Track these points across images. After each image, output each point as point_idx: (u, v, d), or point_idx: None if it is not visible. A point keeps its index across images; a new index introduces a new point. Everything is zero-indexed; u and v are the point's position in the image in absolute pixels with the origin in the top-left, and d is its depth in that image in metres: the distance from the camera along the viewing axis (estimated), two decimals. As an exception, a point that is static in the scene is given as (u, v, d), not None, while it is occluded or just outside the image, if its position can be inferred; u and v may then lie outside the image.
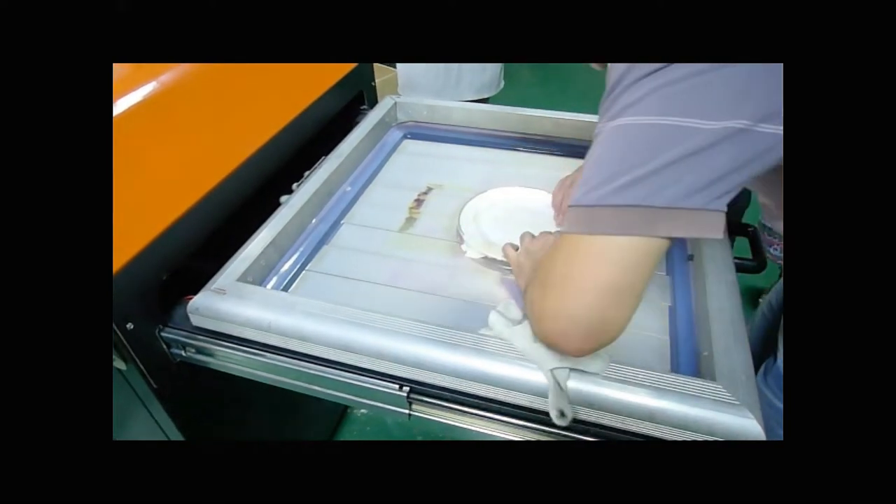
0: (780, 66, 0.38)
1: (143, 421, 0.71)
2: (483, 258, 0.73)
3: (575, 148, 0.97)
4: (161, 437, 0.74)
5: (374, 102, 1.09)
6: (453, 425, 0.58)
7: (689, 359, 0.59)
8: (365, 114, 1.03)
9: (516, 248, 0.66)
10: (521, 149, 1.00)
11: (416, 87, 1.44)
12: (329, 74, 0.94)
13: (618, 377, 0.51)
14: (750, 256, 0.74)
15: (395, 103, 1.05)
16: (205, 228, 0.69)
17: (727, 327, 0.57)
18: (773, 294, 0.85)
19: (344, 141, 0.92)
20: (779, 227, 0.62)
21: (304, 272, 0.74)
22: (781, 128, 0.39)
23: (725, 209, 0.41)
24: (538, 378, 0.52)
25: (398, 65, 1.46)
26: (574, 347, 0.44)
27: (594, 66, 0.61)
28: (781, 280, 0.87)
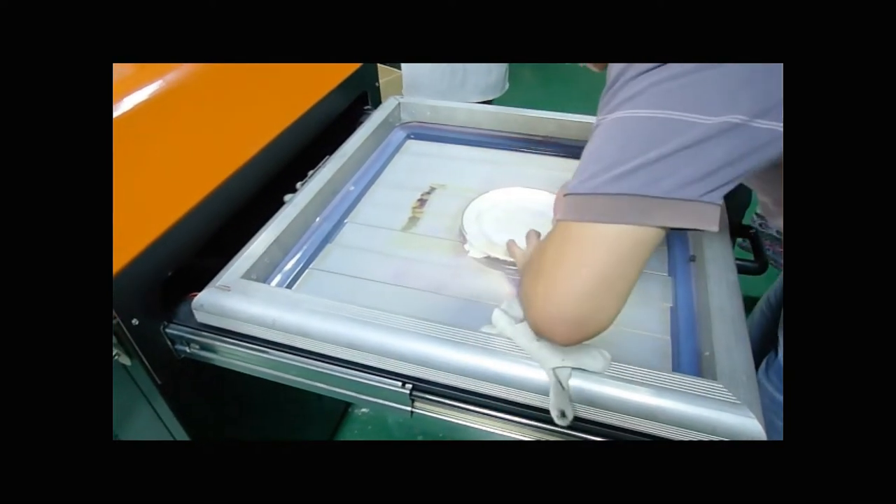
0: (778, 63, 0.39)
1: (146, 417, 0.72)
2: (486, 258, 0.74)
3: (578, 149, 0.96)
4: (164, 434, 0.74)
5: (377, 103, 1.10)
6: (455, 423, 0.59)
7: (690, 358, 0.59)
8: (369, 114, 1.04)
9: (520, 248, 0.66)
10: (524, 149, 1.00)
11: (421, 88, 1.44)
12: (333, 75, 0.95)
13: (620, 376, 0.52)
14: (751, 258, 0.74)
15: (399, 104, 1.06)
16: (209, 226, 0.70)
17: (728, 327, 0.57)
18: (772, 291, 0.85)
19: (348, 141, 0.93)
20: (777, 224, 0.62)
21: (307, 270, 0.74)
22: (777, 124, 0.40)
23: (720, 202, 0.41)
24: (540, 376, 0.52)
25: (403, 67, 1.46)
26: (561, 334, 0.44)
27: (592, 67, 0.61)
28: (780, 278, 0.87)
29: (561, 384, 0.51)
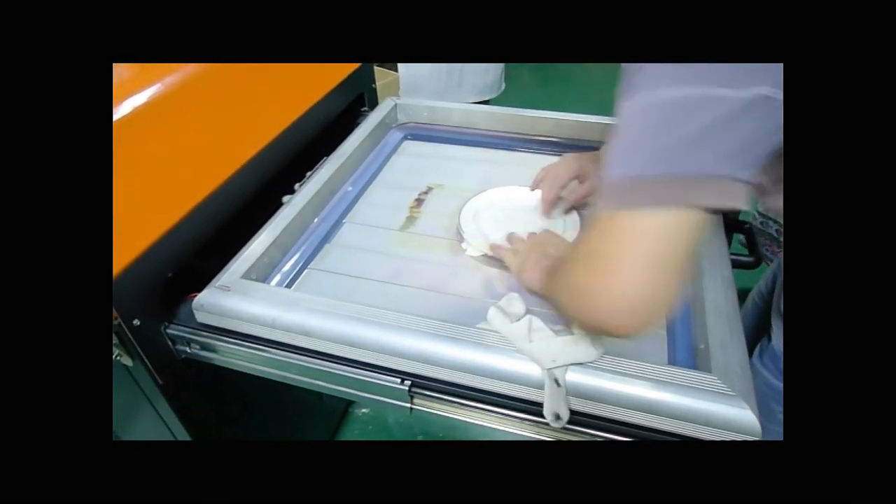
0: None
1: (148, 417, 0.72)
2: (483, 256, 0.74)
3: (574, 148, 0.98)
4: (166, 434, 0.75)
5: (374, 104, 1.11)
6: (454, 419, 0.59)
7: (685, 352, 0.60)
8: (366, 115, 1.05)
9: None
10: (521, 149, 1.01)
11: (418, 89, 1.45)
12: (330, 76, 0.95)
13: (616, 370, 0.52)
14: (746, 252, 0.75)
15: (396, 105, 1.07)
16: (209, 227, 0.70)
17: (723, 321, 0.58)
18: (763, 282, 0.86)
19: (345, 142, 0.93)
20: (773, 204, 0.61)
21: (306, 270, 0.75)
22: None
23: (752, 181, 0.40)
24: (537, 371, 0.53)
25: (400, 68, 1.47)
26: (619, 325, 0.42)
27: None
28: (769, 268, 0.88)
29: (557, 382, 0.52)
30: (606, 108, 0.86)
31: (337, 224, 0.83)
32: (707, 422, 0.49)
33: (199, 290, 0.64)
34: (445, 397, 0.58)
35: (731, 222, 0.80)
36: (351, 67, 1.00)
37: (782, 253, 0.49)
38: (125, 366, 0.65)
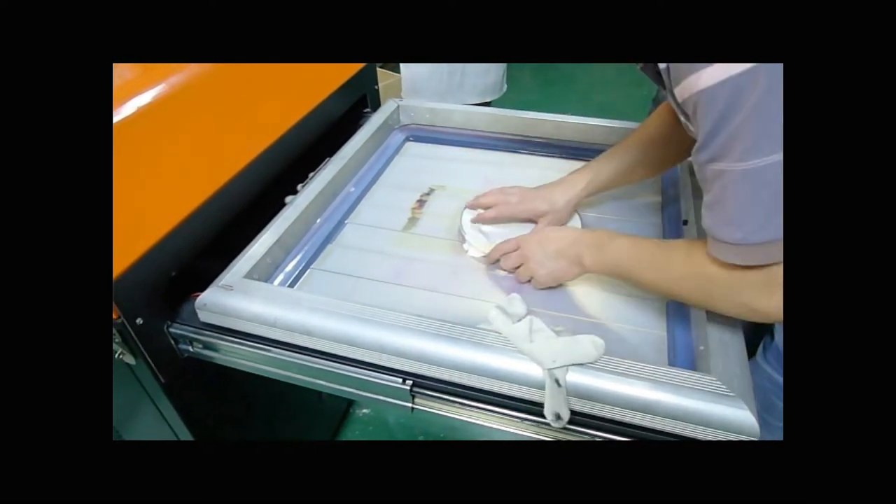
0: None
1: (150, 416, 0.73)
2: (484, 257, 0.75)
3: (574, 150, 0.98)
4: (167, 432, 0.75)
5: (377, 106, 1.11)
6: (455, 419, 0.59)
7: (685, 353, 0.60)
8: (368, 117, 1.05)
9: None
10: (522, 151, 1.01)
11: (420, 90, 1.46)
12: (333, 78, 0.96)
13: (616, 370, 0.53)
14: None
15: (398, 106, 1.07)
16: (212, 227, 0.71)
17: (722, 323, 0.58)
18: None
19: (348, 143, 0.94)
20: None
21: (308, 270, 0.75)
22: None
23: None
24: (539, 371, 0.53)
25: (402, 69, 1.47)
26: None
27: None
28: None
29: (558, 383, 0.52)
30: (607, 110, 0.88)
31: (339, 224, 0.83)
32: (706, 422, 0.50)
33: (202, 289, 0.65)
34: (447, 397, 0.58)
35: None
36: (354, 69, 1.01)
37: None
38: (128, 364, 0.65)
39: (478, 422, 0.59)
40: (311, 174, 0.88)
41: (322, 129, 0.94)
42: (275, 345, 0.63)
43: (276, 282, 0.72)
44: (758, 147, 0.44)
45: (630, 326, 0.65)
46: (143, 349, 0.63)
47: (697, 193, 0.78)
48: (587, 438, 0.55)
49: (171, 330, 0.66)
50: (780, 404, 0.67)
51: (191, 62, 0.65)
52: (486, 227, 0.79)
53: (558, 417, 0.53)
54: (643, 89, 2.75)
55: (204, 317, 0.64)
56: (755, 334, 0.71)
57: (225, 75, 0.70)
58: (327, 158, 0.90)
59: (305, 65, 0.87)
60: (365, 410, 1.43)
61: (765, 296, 0.50)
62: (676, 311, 0.66)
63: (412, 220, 0.84)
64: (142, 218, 0.60)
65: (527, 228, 0.77)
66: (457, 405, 0.58)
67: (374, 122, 1.01)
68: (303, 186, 0.85)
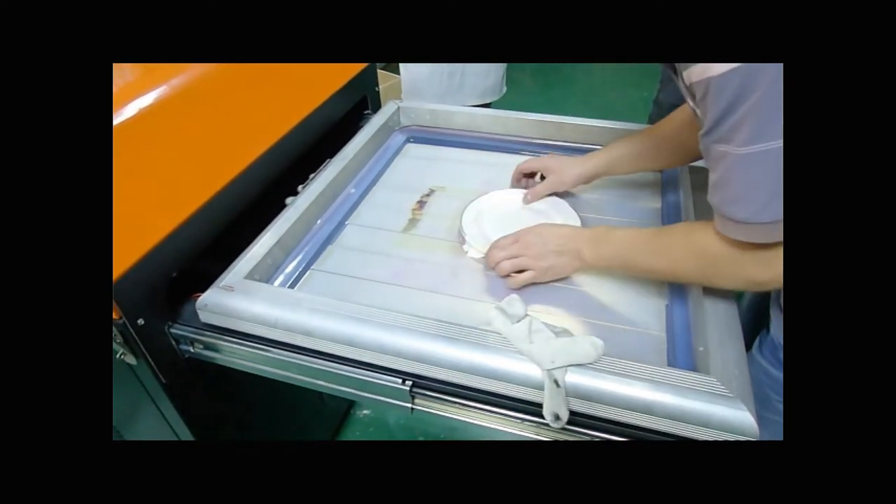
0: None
1: (151, 416, 0.73)
2: (484, 258, 0.75)
3: (575, 151, 0.98)
4: (168, 432, 0.75)
5: (377, 107, 1.11)
6: (455, 419, 0.60)
7: (685, 354, 0.60)
8: (369, 118, 1.05)
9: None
10: (523, 152, 1.01)
11: (419, 92, 1.46)
12: (334, 79, 0.96)
13: (616, 371, 0.53)
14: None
15: (399, 108, 1.08)
16: (213, 228, 0.71)
17: (722, 324, 0.58)
18: None
19: (348, 144, 0.94)
20: None
21: (309, 271, 0.75)
22: None
23: None
24: (538, 372, 0.54)
25: (402, 70, 1.47)
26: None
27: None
28: None
29: (557, 383, 0.52)
30: (608, 112, 0.88)
31: (340, 225, 0.84)
32: (705, 423, 0.50)
33: (203, 290, 0.65)
34: (446, 397, 0.58)
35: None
36: (354, 70, 1.01)
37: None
38: (129, 364, 0.65)
39: (477, 422, 0.59)
40: (312, 175, 0.88)
41: (323, 131, 0.94)
42: (275, 345, 0.63)
43: (277, 283, 0.73)
44: (765, 132, 0.45)
45: (630, 327, 0.65)
46: (144, 349, 0.63)
47: (698, 196, 0.78)
48: (586, 439, 0.55)
49: (172, 330, 0.66)
50: (776, 397, 0.68)
51: (193, 63, 0.65)
52: (487, 229, 0.80)
53: (557, 418, 0.53)
54: (643, 90, 2.75)
55: (205, 317, 0.65)
56: (752, 329, 0.71)
57: (226, 76, 0.70)
58: (328, 160, 0.91)
59: (306, 66, 0.87)
60: (365, 412, 1.43)
61: (765, 268, 0.54)
62: (676, 312, 0.66)
63: (412, 222, 0.85)
64: (143, 219, 0.60)
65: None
66: (456, 405, 0.59)
67: (375, 123, 1.01)
68: (303, 187, 0.85)
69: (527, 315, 0.60)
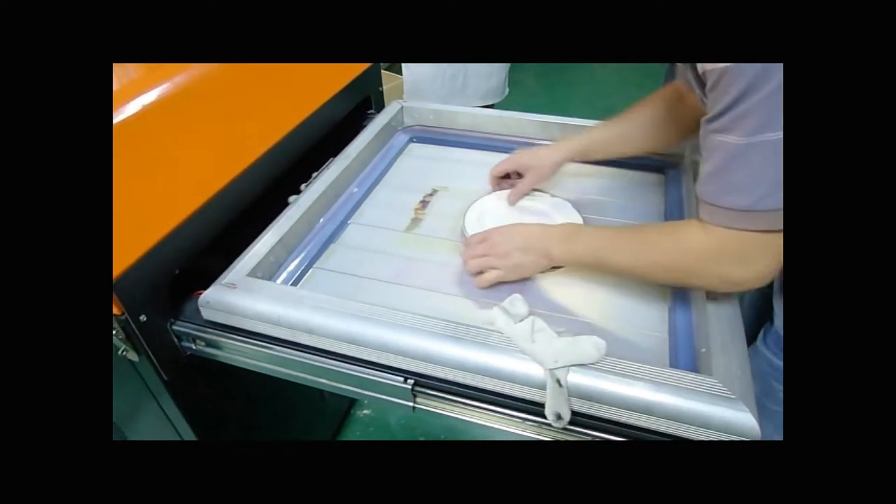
0: None
1: (152, 413, 0.73)
2: None
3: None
4: (170, 429, 0.75)
5: (381, 107, 1.11)
6: (457, 418, 0.60)
7: (687, 355, 0.60)
8: (372, 118, 1.05)
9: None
10: (525, 153, 1.01)
11: (421, 94, 1.46)
12: (337, 79, 0.96)
13: (618, 371, 0.53)
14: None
15: (402, 107, 1.08)
16: (215, 226, 0.71)
17: (724, 325, 0.58)
18: None
19: (351, 143, 0.94)
20: None
21: (311, 270, 0.75)
22: None
23: None
24: (540, 372, 0.53)
25: (404, 73, 1.48)
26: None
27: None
28: None
29: (559, 383, 0.52)
30: (611, 113, 0.87)
31: (342, 224, 0.84)
32: (707, 424, 0.50)
33: (206, 287, 0.65)
34: (448, 396, 0.58)
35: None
36: (358, 70, 1.01)
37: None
38: (131, 361, 0.65)
39: (479, 421, 0.59)
40: (315, 174, 0.88)
41: (326, 130, 0.94)
42: (277, 343, 0.63)
43: (279, 280, 0.73)
44: (772, 123, 0.46)
45: (632, 328, 0.65)
46: (146, 346, 0.63)
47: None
48: (588, 439, 0.55)
49: (175, 327, 0.67)
50: (779, 388, 0.68)
51: (198, 62, 0.65)
52: (489, 228, 0.80)
53: (559, 417, 0.53)
54: (645, 92, 2.75)
55: (207, 314, 0.65)
56: (756, 321, 0.71)
57: (231, 75, 0.71)
58: (331, 158, 0.91)
59: (311, 65, 0.87)
60: (366, 411, 1.43)
61: (744, 267, 0.54)
62: (679, 313, 0.66)
63: (415, 221, 0.85)
64: (146, 215, 0.61)
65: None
66: (458, 404, 0.59)
67: (378, 122, 1.01)
68: (306, 186, 0.85)
69: (529, 315, 0.60)
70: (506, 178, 0.88)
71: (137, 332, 0.61)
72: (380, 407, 1.41)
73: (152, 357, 0.64)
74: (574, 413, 0.53)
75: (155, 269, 0.62)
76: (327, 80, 0.94)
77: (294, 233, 0.77)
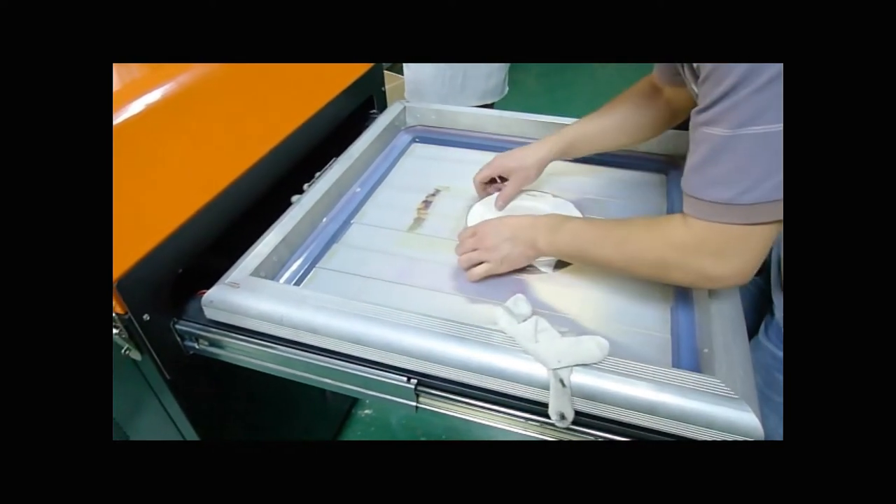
0: None
1: (154, 412, 0.73)
2: None
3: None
4: (172, 429, 0.75)
5: (383, 107, 1.12)
6: (460, 418, 0.60)
7: (690, 355, 0.60)
8: (375, 118, 1.06)
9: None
10: (527, 153, 1.01)
11: (422, 94, 1.46)
12: (340, 79, 0.96)
13: (620, 371, 0.53)
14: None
15: (405, 108, 1.08)
16: (218, 226, 0.71)
17: (727, 325, 0.58)
18: None
19: (354, 143, 0.94)
20: None
21: (314, 269, 0.75)
22: None
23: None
24: (544, 371, 0.54)
25: (405, 72, 1.48)
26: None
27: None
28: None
29: (562, 383, 0.52)
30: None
31: (345, 224, 0.84)
32: (710, 424, 0.50)
33: (209, 286, 0.65)
34: (451, 396, 0.58)
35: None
36: (361, 70, 1.01)
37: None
38: (134, 360, 0.65)
39: (482, 421, 0.59)
40: (318, 174, 0.88)
41: (329, 130, 0.94)
42: (280, 342, 0.63)
43: (282, 280, 0.73)
44: (760, 116, 0.46)
45: (635, 328, 0.65)
46: (149, 345, 0.63)
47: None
48: (591, 439, 0.55)
49: (178, 327, 0.67)
50: (781, 378, 0.68)
51: (201, 62, 0.65)
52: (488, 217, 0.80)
53: (562, 417, 0.53)
54: (648, 94, 2.75)
55: (210, 314, 0.65)
56: (757, 314, 0.71)
57: (234, 75, 0.71)
58: (334, 158, 0.91)
59: (313, 66, 0.87)
60: (367, 411, 1.43)
61: (722, 263, 0.54)
62: (681, 313, 0.66)
63: (417, 221, 0.85)
64: (149, 215, 0.61)
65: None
66: (461, 404, 0.59)
67: (381, 123, 1.01)
68: (309, 186, 0.85)
69: (533, 314, 0.60)
70: (491, 183, 0.88)
71: (140, 332, 0.62)
72: (381, 407, 1.41)
73: (155, 356, 0.64)
74: (577, 413, 0.53)
75: (158, 268, 0.62)
76: (330, 80, 0.94)
77: (297, 232, 0.77)
